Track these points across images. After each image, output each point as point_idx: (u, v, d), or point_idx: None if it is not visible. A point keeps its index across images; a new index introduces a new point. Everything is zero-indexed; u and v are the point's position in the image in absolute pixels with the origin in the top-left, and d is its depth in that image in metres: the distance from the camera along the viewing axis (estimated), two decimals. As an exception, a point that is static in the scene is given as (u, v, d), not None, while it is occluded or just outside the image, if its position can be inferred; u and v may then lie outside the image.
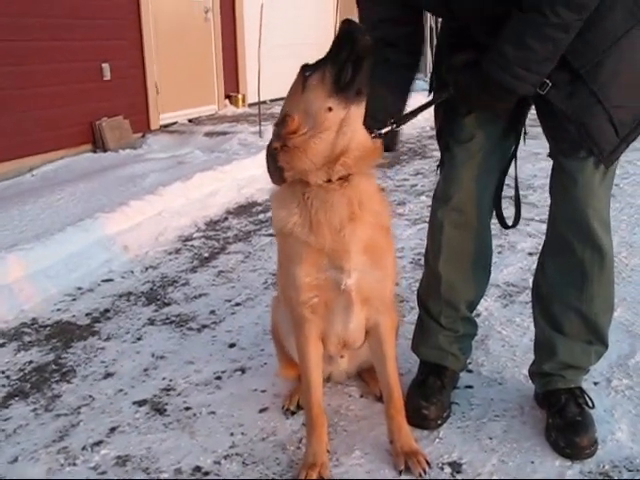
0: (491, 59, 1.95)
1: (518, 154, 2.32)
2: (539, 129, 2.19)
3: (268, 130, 7.32)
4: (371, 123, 2.01)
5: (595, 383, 2.54)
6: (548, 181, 2.23)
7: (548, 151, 2.17)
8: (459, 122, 2.22)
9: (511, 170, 2.32)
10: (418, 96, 2.34)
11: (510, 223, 2.35)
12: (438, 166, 2.36)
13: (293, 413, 2.41)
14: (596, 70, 1.97)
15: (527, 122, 2.28)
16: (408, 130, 2.05)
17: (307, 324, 2.08)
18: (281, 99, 8.73)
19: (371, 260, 1.96)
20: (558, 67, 1.94)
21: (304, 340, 2.11)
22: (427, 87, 2.34)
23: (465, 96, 2.09)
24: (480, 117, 2.20)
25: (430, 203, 2.46)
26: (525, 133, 2.23)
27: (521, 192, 2.44)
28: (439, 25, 2.44)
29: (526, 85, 1.95)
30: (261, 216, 5.05)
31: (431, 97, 2.27)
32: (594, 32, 1.95)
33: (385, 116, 2.09)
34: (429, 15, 2.37)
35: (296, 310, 2.07)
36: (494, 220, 2.40)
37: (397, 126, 2.11)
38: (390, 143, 2.15)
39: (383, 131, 2.04)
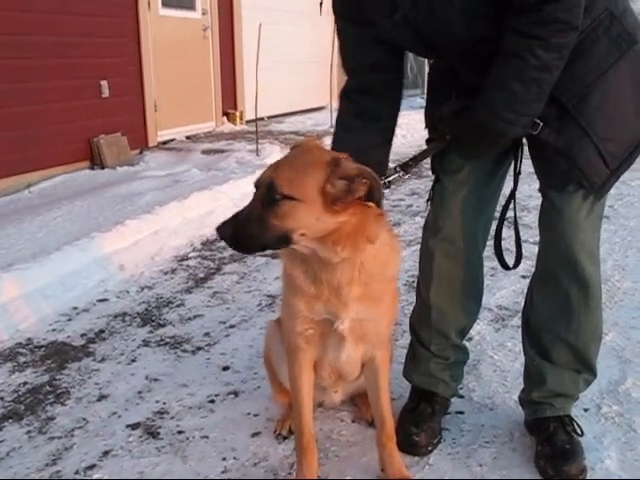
0: (479, 106, 1.97)
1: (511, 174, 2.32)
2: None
3: (265, 148, 7.37)
4: None
5: (585, 409, 2.56)
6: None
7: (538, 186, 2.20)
8: (449, 154, 2.24)
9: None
10: (414, 114, 2.36)
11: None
12: (428, 200, 2.38)
13: (285, 438, 2.42)
14: (583, 103, 2.00)
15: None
16: (405, 150, 2.06)
17: (301, 353, 2.10)
18: (278, 116, 8.79)
19: (367, 305, 1.97)
20: (546, 102, 1.96)
21: (297, 368, 2.12)
22: (424, 104, 2.36)
23: (461, 143, 2.12)
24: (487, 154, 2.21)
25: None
26: (519, 173, 2.25)
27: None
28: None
29: (517, 128, 1.97)
30: (257, 236, 5.06)
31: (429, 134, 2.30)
32: (579, 66, 1.98)
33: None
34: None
35: (291, 338, 2.09)
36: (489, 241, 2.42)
37: (405, 174, 2.13)
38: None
39: (390, 179, 2.07)
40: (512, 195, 2.28)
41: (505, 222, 2.32)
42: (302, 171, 1.75)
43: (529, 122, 1.99)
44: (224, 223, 1.78)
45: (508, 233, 2.34)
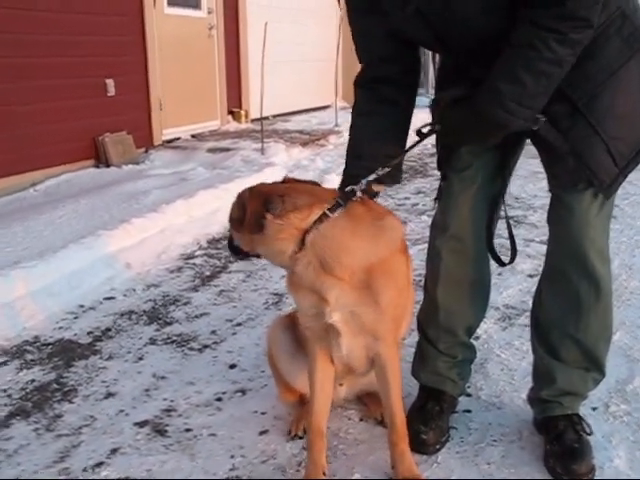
0: (483, 94, 1.94)
1: (520, 173, 2.33)
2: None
3: (270, 147, 7.38)
4: (366, 173, 2.08)
5: (593, 409, 2.55)
6: (549, 201, 2.24)
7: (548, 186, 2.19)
8: (456, 151, 2.23)
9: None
10: (419, 113, 2.36)
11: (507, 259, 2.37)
12: (436, 198, 2.38)
13: (300, 438, 2.40)
14: (593, 102, 1.99)
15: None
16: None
17: (312, 345, 2.13)
18: (284, 115, 8.79)
19: (353, 296, 1.96)
20: (558, 100, 1.96)
21: (311, 360, 2.16)
22: (429, 104, 2.30)
23: (453, 132, 2.09)
24: (477, 146, 2.21)
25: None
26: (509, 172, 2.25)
27: (521, 212, 2.42)
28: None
29: (518, 120, 1.94)
30: (263, 234, 5.06)
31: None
32: (592, 64, 1.97)
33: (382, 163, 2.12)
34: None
35: (304, 331, 2.14)
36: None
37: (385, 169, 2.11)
38: (394, 177, 2.19)
39: (369, 178, 2.06)
40: (502, 193, 2.29)
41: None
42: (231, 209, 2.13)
43: (530, 116, 1.96)
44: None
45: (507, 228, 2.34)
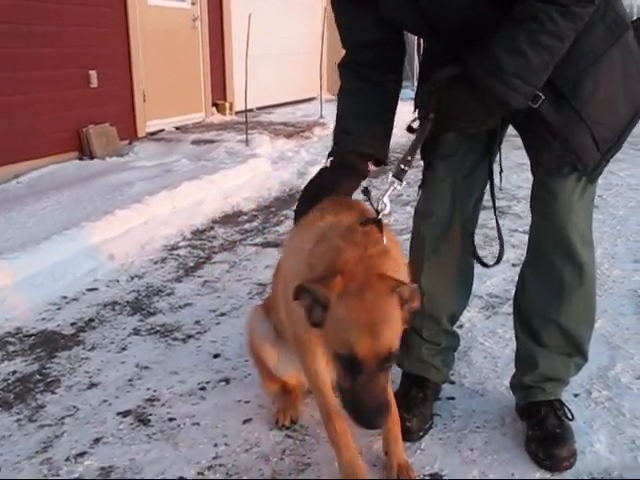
0: (483, 66, 1.89)
1: (505, 164, 2.31)
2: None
3: (255, 138, 7.36)
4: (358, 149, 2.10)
5: (575, 395, 2.57)
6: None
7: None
8: (440, 138, 2.23)
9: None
10: (404, 105, 2.34)
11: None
12: (420, 186, 2.38)
13: (287, 428, 2.40)
14: (578, 88, 2.00)
15: (512, 132, 2.26)
16: (394, 139, 2.05)
17: (311, 343, 2.01)
18: (268, 107, 8.74)
19: None
20: (543, 85, 1.94)
21: (311, 358, 2.05)
22: (414, 95, 2.27)
23: (450, 115, 2.03)
24: (474, 130, 2.18)
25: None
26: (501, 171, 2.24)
27: (506, 203, 2.40)
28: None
29: (519, 97, 1.90)
30: (247, 225, 5.08)
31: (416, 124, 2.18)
32: (575, 50, 1.95)
33: (374, 150, 2.14)
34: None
35: (296, 331, 2.04)
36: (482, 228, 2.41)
37: (400, 180, 2.06)
38: (381, 158, 2.18)
39: (387, 194, 2.05)
40: (492, 189, 2.28)
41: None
42: (391, 321, 1.75)
43: (531, 93, 1.92)
44: (377, 418, 1.75)
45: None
